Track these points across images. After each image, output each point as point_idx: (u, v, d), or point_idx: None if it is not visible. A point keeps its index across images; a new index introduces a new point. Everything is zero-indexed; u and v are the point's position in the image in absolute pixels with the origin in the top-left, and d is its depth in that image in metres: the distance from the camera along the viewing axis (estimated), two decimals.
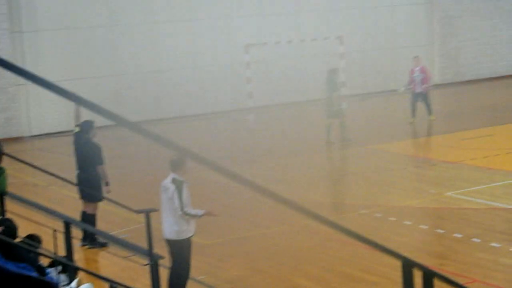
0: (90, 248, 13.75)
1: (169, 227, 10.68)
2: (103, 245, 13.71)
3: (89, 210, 13.90)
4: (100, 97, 26.53)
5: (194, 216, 10.60)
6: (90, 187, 13.74)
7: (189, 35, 29.40)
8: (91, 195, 13.76)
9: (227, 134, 26.14)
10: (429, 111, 25.26)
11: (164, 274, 10.40)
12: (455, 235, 13.76)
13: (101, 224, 14.04)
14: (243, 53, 29.74)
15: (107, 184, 13.85)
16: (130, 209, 12.35)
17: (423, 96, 25.20)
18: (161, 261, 9.61)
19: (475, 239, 13.42)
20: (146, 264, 10.70)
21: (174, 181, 10.58)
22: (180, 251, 10.74)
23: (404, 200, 16.29)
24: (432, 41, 34.60)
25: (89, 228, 12.65)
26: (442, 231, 14.21)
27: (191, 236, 10.75)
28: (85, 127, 13.89)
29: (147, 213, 9.44)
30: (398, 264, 6.16)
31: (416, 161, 20.60)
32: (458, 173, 18.29)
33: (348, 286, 11.74)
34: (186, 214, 10.51)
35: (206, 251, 13.06)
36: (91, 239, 13.75)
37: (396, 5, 33.50)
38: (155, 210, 9.82)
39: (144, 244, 9.66)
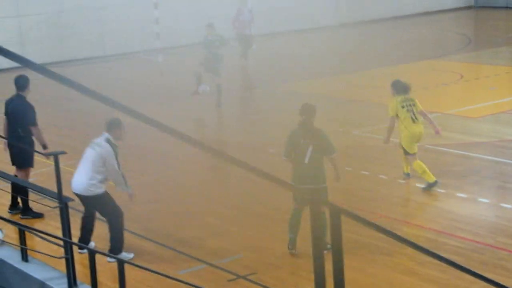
0: (23, 218, 12.35)
1: (87, 181, 10.27)
2: (37, 216, 12.39)
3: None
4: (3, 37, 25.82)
5: (125, 184, 10.42)
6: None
7: None
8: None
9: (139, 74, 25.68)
10: (245, 55, 24.69)
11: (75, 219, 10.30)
12: (363, 172, 14.09)
13: (6, 167, 13.39)
14: None
15: (44, 147, 12.43)
16: (38, 152, 12.15)
17: (248, 38, 24.76)
18: (71, 204, 9.55)
19: (382, 176, 13.78)
20: (55, 207, 10.64)
21: (109, 141, 10.33)
22: (104, 201, 10.46)
23: None
24: None
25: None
26: (349, 169, 14.49)
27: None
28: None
29: (56, 156, 9.37)
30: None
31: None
32: (365, 111, 18.64)
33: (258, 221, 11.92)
34: (122, 176, 10.35)
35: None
36: (25, 209, 12.54)
37: None
38: (64, 153, 9.75)
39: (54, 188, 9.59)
